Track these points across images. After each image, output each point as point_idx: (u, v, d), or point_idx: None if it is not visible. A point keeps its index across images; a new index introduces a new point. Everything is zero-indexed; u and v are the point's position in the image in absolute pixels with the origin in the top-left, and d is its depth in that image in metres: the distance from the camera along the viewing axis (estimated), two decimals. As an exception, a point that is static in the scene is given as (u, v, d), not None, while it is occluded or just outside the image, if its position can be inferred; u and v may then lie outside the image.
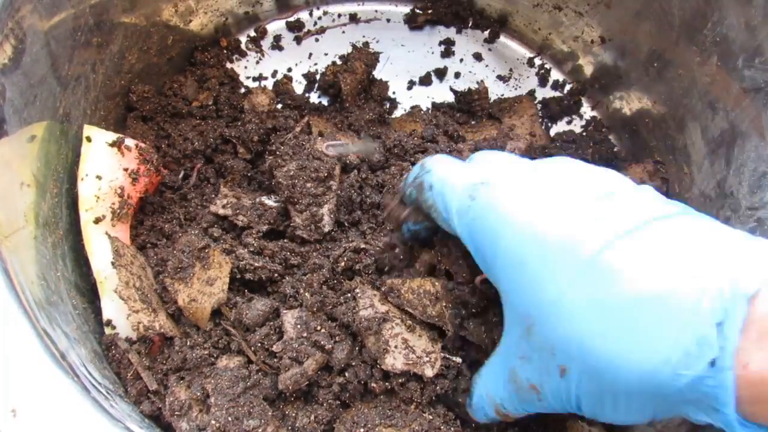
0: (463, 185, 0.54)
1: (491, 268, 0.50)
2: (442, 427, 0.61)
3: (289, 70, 1.04)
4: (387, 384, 0.63)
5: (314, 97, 1.01)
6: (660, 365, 0.38)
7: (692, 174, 0.81)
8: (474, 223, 0.51)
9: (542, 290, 0.43)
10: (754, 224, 0.68)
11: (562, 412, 0.49)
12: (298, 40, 1.06)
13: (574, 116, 1.03)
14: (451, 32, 1.08)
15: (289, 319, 0.66)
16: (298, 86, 1.02)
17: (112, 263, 0.69)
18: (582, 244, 0.42)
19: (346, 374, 0.64)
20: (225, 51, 1.02)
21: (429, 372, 0.61)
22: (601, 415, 0.45)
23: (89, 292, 0.71)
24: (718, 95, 0.76)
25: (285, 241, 0.77)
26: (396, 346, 0.61)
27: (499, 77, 1.06)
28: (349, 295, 0.68)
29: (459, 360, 0.64)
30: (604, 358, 0.40)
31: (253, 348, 0.67)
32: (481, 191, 0.51)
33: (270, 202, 0.80)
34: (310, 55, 1.05)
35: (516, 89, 1.05)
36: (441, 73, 1.04)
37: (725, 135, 0.75)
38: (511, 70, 1.06)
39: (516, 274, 0.46)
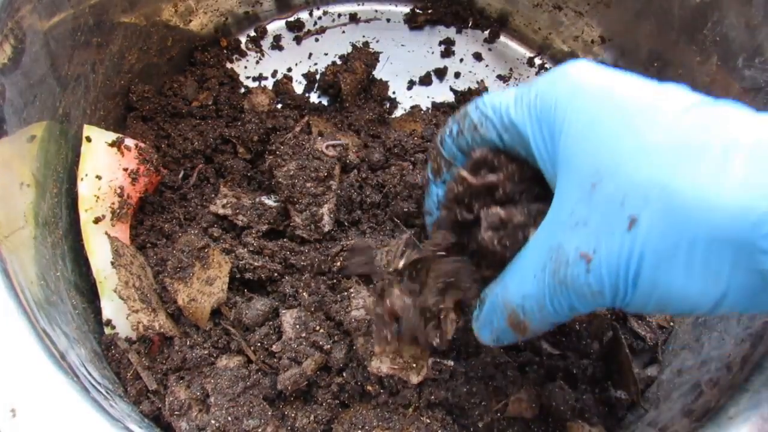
0: (517, 89, 0.52)
1: (551, 140, 0.47)
2: (439, 431, 0.61)
3: (289, 70, 1.04)
4: (381, 387, 0.63)
5: (314, 97, 1.01)
6: (750, 207, 0.36)
7: (692, 174, 0.81)
8: (537, 99, 0.48)
9: (620, 140, 0.41)
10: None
11: (601, 302, 0.43)
12: (298, 40, 1.06)
13: (574, 116, 1.03)
14: (451, 32, 1.08)
15: (288, 319, 0.66)
16: (298, 86, 1.02)
17: (112, 263, 0.69)
18: (664, 105, 0.41)
19: (344, 375, 0.64)
20: (225, 51, 1.02)
21: (414, 379, 0.61)
22: (664, 281, 0.40)
23: (89, 292, 0.71)
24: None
25: (285, 240, 0.77)
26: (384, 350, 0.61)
27: (499, 77, 1.06)
28: (345, 294, 0.68)
29: (451, 363, 0.64)
30: (690, 198, 0.37)
31: (252, 348, 0.67)
32: (544, 75, 0.49)
33: (270, 201, 0.80)
34: (310, 55, 1.05)
35: (516, 89, 1.05)
36: (441, 73, 1.04)
37: (725, 135, 0.75)
38: (511, 69, 1.06)
39: (587, 132, 0.43)
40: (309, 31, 1.07)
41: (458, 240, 0.56)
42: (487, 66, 1.06)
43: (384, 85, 1.00)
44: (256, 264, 0.72)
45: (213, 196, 0.83)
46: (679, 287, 0.39)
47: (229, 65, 1.01)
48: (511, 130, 0.51)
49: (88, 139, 0.74)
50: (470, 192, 0.54)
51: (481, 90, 1.00)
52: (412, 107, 1.01)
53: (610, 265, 0.41)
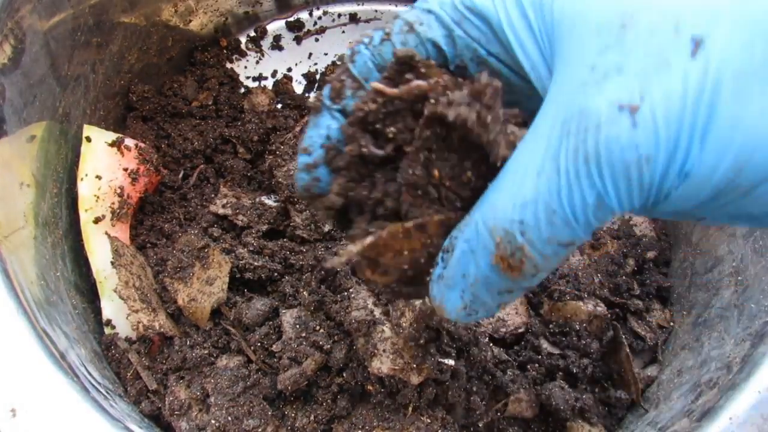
0: None
1: (540, 9, 0.36)
2: (439, 431, 0.61)
3: (289, 70, 1.04)
4: (381, 387, 0.63)
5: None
6: None
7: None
8: None
9: None
10: (754, 224, 0.68)
11: (648, 180, 0.30)
12: (298, 40, 1.06)
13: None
14: (451, 32, 1.08)
15: (288, 318, 0.66)
16: (298, 86, 1.02)
17: (112, 263, 0.69)
18: None
19: (344, 374, 0.64)
20: (225, 51, 1.02)
21: (414, 379, 0.61)
22: (753, 117, 0.28)
23: (89, 292, 0.71)
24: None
25: (285, 240, 0.77)
26: (384, 350, 0.61)
27: (499, 77, 1.06)
28: (345, 294, 0.68)
29: (451, 363, 0.64)
30: None
31: (252, 347, 0.67)
32: None
33: (270, 201, 0.80)
34: (310, 55, 1.05)
35: (516, 89, 1.05)
36: (441, 73, 1.04)
37: (725, 135, 0.75)
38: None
39: None
40: (309, 31, 1.07)
41: (358, 187, 0.44)
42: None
43: (384, 85, 1.00)
44: (256, 264, 0.72)
45: (213, 196, 0.83)
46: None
47: (229, 65, 1.01)
48: (471, 19, 0.39)
49: (88, 139, 0.74)
50: (386, 112, 0.41)
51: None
52: (412, 107, 1.00)
53: (669, 108, 0.29)
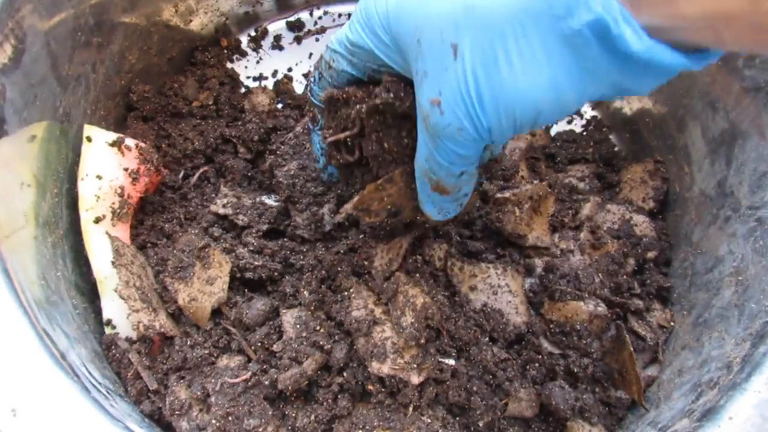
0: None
1: (386, 34, 0.51)
2: (440, 431, 0.61)
3: (290, 69, 1.04)
4: (382, 386, 0.63)
5: (314, 97, 1.01)
6: None
7: (692, 173, 0.81)
8: (362, 13, 0.53)
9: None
10: (754, 224, 0.68)
11: (472, 138, 0.48)
12: (299, 39, 1.06)
13: (574, 115, 1.03)
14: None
15: (289, 318, 0.66)
16: (299, 86, 1.02)
17: (112, 263, 0.69)
18: None
19: (345, 374, 0.64)
20: (225, 51, 1.02)
21: (415, 379, 0.61)
22: (501, 88, 0.44)
23: (89, 291, 0.71)
24: (719, 95, 0.76)
25: (285, 240, 0.77)
26: (384, 350, 0.61)
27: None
28: (345, 294, 0.68)
29: (452, 362, 0.64)
30: (486, 4, 0.43)
31: (253, 347, 0.67)
32: None
33: (270, 201, 0.80)
34: (311, 54, 1.05)
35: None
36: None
37: (725, 134, 0.75)
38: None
39: (403, 5, 0.49)
40: (309, 30, 1.07)
41: (350, 173, 0.65)
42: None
43: (384, 84, 1.00)
44: (256, 263, 0.72)
45: (213, 195, 0.83)
46: (517, 89, 0.43)
47: (229, 65, 1.01)
48: (356, 50, 0.55)
49: (89, 139, 0.74)
50: (338, 141, 0.61)
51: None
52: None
53: (454, 97, 0.45)
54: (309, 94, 0.66)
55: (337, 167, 0.66)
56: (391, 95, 0.53)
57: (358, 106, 0.56)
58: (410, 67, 0.50)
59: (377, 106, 0.54)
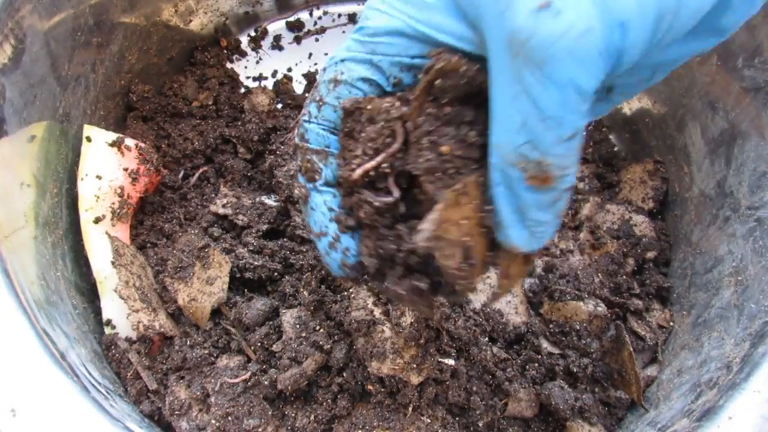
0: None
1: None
2: (440, 431, 0.61)
3: (289, 69, 1.04)
4: (381, 386, 0.63)
5: (314, 97, 1.01)
6: None
7: (692, 173, 0.81)
8: None
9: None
10: (754, 224, 0.68)
11: (595, 21, 0.34)
12: (298, 39, 1.06)
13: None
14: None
15: (288, 318, 0.66)
16: (298, 86, 1.02)
17: (112, 263, 0.69)
18: None
19: (345, 374, 0.64)
20: (225, 51, 1.02)
21: (414, 379, 0.61)
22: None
23: (89, 291, 0.71)
24: (718, 95, 0.76)
25: (285, 240, 0.77)
26: (384, 350, 0.61)
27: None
28: (345, 294, 0.68)
29: (452, 362, 0.64)
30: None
31: (253, 347, 0.67)
32: None
33: (270, 201, 0.80)
34: (310, 54, 1.05)
35: (516, 89, 1.05)
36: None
37: (725, 135, 0.75)
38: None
39: None
40: (309, 31, 1.07)
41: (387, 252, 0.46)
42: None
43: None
44: (256, 263, 0.72)
45: (213, 195, 0.83)
46: None
47: (229, 65, 1.01)
48: (383, 42, 0.45)
49: (89, 139, 0.74)
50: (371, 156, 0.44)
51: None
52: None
53: None
54: (299, 140, 0.49)
55: (354, 227, 0.47)
56: (453, 59, 0.40)
57: (397, 104, 0.43)
58: (483, 19, 0.38)
59: (432, 83, 0.41)
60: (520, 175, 0.39)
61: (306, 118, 0.48)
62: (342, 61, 0.46)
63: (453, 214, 0.40)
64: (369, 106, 0.44)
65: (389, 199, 0.44)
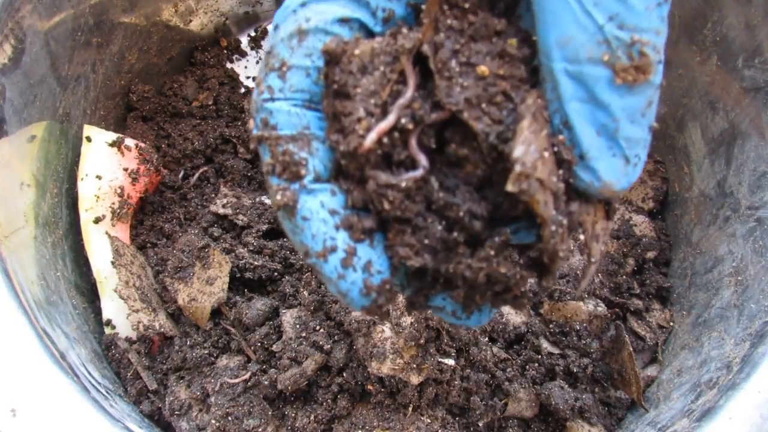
0: None
1: None
2: (439, 431, 0.61)
3: (289, 69, 1.04)
4: (381, 386, 0.63)
5: (314, 97, 1.01)
6: None
7: (692, 173, 0.81)
8: None
9: None
10: (754, 224, 0.68)
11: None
12: (298, 39, 1.06)
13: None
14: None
15: (288, 318, 0.66)
16: (298, 86, 1.02)
17: (112, 263, 0.69)
18: None
19: (344, 374, 0.64)
20: (225, 51, 1.02)
21: (414, 379, 0.60)
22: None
23: (89, 291, 0.71)
24: (718, 95, 0.76)
25: (285, 240, 0.77)
26: (384, 350, 0.61)
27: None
28: None
29: (452, 363, 0.64)
30: None
31: (253, 347, 0.67)
32: None
33: (270, 201, 0.80)
34: (310, 54, 1.05)
35: (516, 89, 1.05)
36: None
37: (725, 135, 0.75)
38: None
39: None
40: (309, 31, 1.07)
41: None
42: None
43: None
44: (256, 263, 0.72)
45: (213, 195, 0.83)
46: None
47: (229, 65, 1.01)
48: None
49: (89, 139, 0.74)
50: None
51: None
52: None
53: None
54: (262, 130, 0.35)
55: (373, 229, 0.34)
56: None
57: (394, 41, 0.32)
58: None
59: None
60: (606, 73, 0.29)
61: (266, 95, 0.34)
62: (303, 4, 0.34)
63: (536, 141, 0.30)
64: (357, 51, 0.33)
65: (418, 172, 0.32)
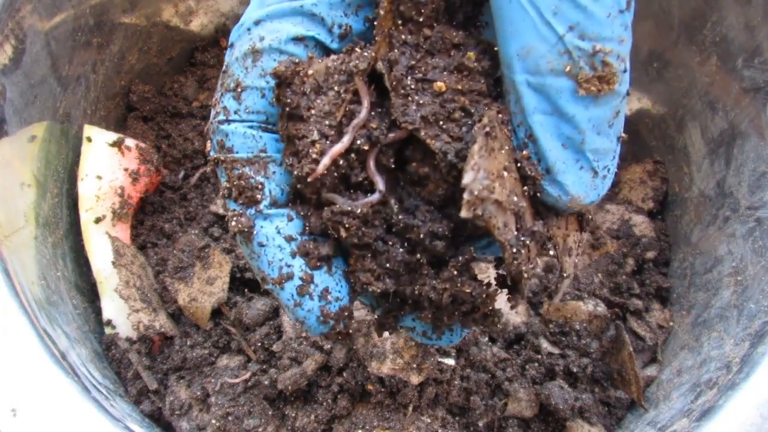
0: None
1: None
2: (440, 431, 0.61)
3: (289, 70, 1.04)
4: (381, 386, 0.63)
5: (314, 97, 1.01)
6: None
7: (692, 174, 0.81)
8: None
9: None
10: (753, 224, 0.68)
11: None
12: (298, 40, 1.06)
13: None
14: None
15: (288, 318, 0.66)
16: (298, 86, 1.02)
17: (113, 263, 0.69)
18: None
19: (345, 374, 0.64)
20: (225, 51, 1.02)
21: (415, 379, 0.60)
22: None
23: (89, 292, 0.71)
24: (718, 95, 0.76)
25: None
26: (384, 350, 0.61)
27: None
28: None
29: (452, 363, 0.64)
30: None
31: (253, 347, 0.67)
32: None
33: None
34: (310, 55, 1.05)
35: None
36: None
37: (725, 135, 0.75)
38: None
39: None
40: (309, 31, 1.07)
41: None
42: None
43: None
44: (256, 264, 0.73)
45: (213, 195, 0.83)
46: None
47: (229, 65, 1.01)
48: None
49: (89, 139, 0.74)
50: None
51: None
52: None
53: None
54: (218, 152, 0.35)
55: (327, 256, 0.34)
56: None
57: (349, 58, 0.32)
58: None
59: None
60: (569, 85, 0.28)
61: (222, 117, 0.34)
62: (257, 23, 0.34)
63: (491, 164, 0.29)
64: (310, 71, 0.32)
65: (374, 197, 0.32)
